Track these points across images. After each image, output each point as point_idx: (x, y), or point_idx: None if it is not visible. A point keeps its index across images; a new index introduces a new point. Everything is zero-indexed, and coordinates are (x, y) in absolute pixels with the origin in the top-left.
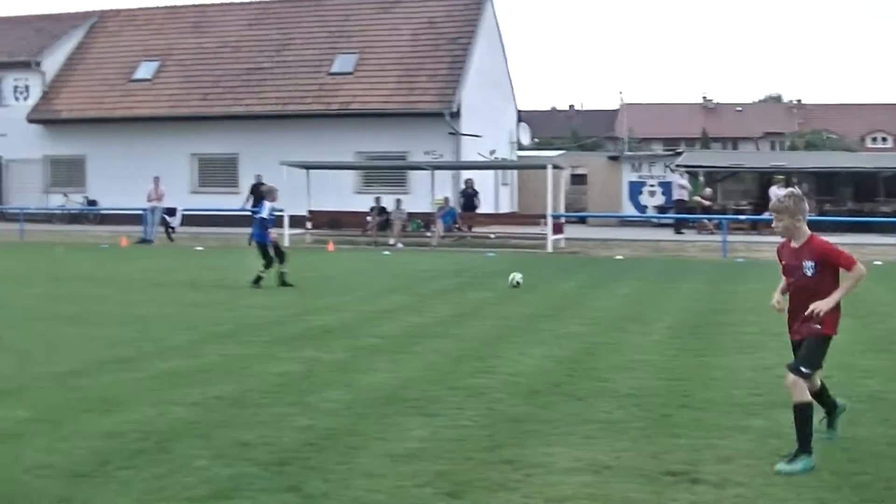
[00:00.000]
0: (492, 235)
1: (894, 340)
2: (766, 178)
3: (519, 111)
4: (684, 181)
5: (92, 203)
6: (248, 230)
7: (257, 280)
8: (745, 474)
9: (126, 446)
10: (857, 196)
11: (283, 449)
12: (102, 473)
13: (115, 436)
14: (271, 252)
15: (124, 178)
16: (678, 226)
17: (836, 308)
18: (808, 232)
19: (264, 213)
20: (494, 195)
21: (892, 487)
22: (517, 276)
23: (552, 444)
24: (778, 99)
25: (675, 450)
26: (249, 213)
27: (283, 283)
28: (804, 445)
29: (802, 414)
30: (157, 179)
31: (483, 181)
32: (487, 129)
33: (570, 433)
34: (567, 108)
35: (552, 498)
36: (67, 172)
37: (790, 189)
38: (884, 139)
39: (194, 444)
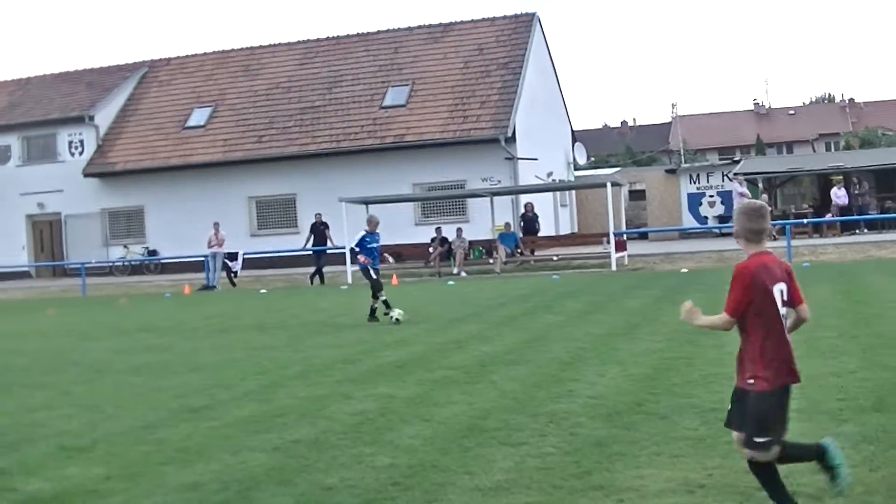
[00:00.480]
0: (555, 258)
1: None
2: (824, 180)
3: (573, 131)
4: (744, 188)
5: (152, 253)
6: (311, 269)
7: (373, 312)
8: None
9: (207, 498)
10: None
11: (367, 490)
12: None
13: (195, 488)
14: (373, 276)
15: (183, 225)
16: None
17: (762, 355)
18: (749, 252)
19: (353, 243)
20: (554, 217)
21: None
22: (395, 314)
23: (641, 466)
24: (830, 99)
25: None
26: (310, 252)
27: (372, 316)
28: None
29: (762, 475)
30: (216, 225)
31: (542, 204)
32: (543, 151)
33: (658, 453)
34: (619, 125)
35: None
36: (126, 224)
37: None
38: None
39: (276, 492)
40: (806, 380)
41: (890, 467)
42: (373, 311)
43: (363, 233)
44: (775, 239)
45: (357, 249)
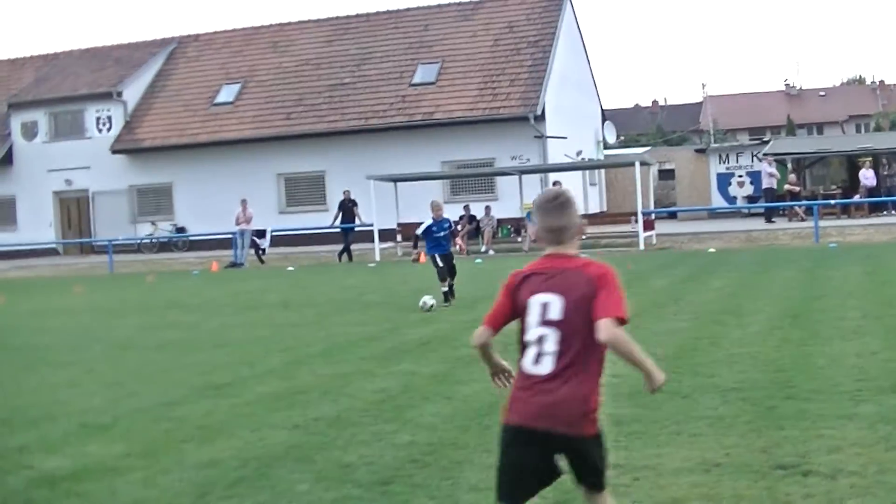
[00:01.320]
0: (582, 236)
1: None
2: (853, 161)
3: (603, 110)
4: (773, 169)
5: (180, 230)
6: (339, 247)
7: (445, 297)
8: (857, 463)
9: (226, 475)
10: None
11: (385, 467)
12: None
13: (214, 465)
14: (440, 263)
15: (212, 202)
16: (769, 214)
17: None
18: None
19: (419, 230)
20: (583, 195)
21: None
22: (427, 300)
23: (660, 445)
24: (861, 81)
25: (784, 443)
26: (339, 230)
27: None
28: None
29: None
30: (244, 202)
31: (571, 183)
32: (573, 129)
33: (677, 432)
34: (650, 104)
35: (662, 500)
36: (154, 201)
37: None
38: None
39: (295, 469)
40: (828, 361)
41: None
42: (445, 294)
43: (430, 221)
44: (803, 220)
45: (420, 237)
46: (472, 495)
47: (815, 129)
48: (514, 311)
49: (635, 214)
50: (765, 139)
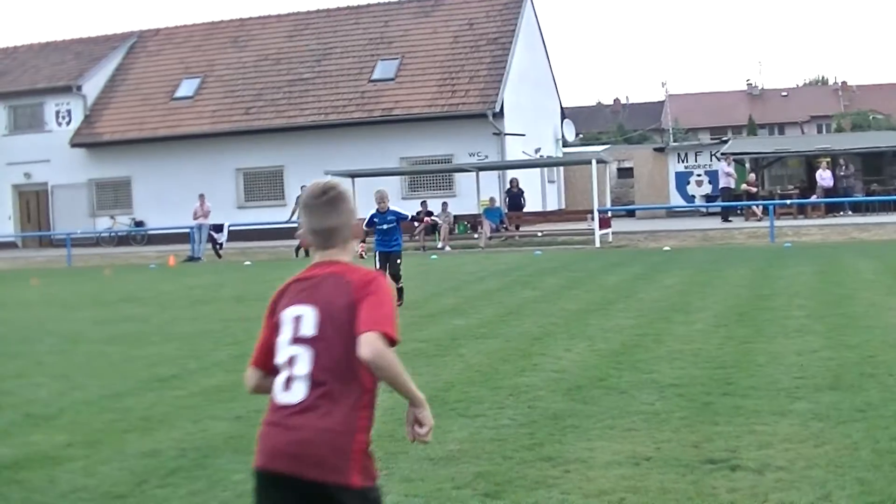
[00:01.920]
0: (539, 234)
1: None
2: (811, 162)
3: (563, 108)
4: (730, 169)
5: (139, 224)
6: (296, 242)
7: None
8: (786, 458)
9: (164, 465)
10: None
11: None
12: (139, 493)
13: (154, 455)
14: (376, 264)
15: (170, 197)
16: (725, 214)
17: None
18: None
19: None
20: (541, 193)
21: None
22: None
23: (593, 439)
24: (823, 82)
25: (716, 438)
26: (296, 225)
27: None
28: None
29: None
30: (202, 196)
31: (529, 180)
32: (531, 127)
33: (611, 427)
34: (612, 103)
35: (590, 493)
36: (113, 195)
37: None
38: None
39: (232, 459)
40: (768, 359)
41: (835, 443)
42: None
43: (372, 212)
44: (759, 219)
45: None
46: (404, 485)
47: (776, 129)
48: (276, 331)
49: (592, 212)
50: (724, 139)
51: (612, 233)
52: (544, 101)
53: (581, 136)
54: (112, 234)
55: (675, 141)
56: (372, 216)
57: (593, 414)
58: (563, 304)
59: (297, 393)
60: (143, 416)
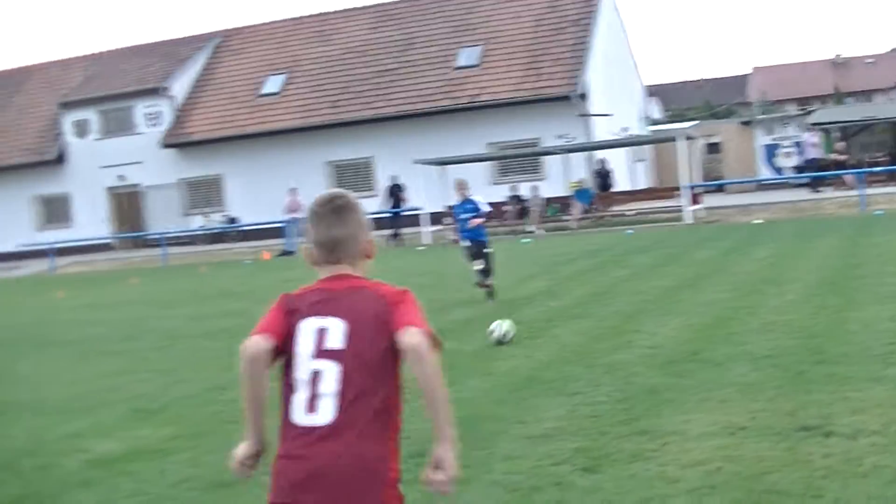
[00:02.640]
0: (629, 213)
1: None
2: None
3: (647, 86)
4: (816, 139)
5: (232, 221)
6: (389, 231)
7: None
8: (879, 423)
9: (270, 452)
10: None
11: (422, 440)
12: (246, 481)
13: None
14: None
15: (262, 192)
16: (814, 184)
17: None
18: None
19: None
20: (630, 173)
21: None
22: (502, 328)
23: (688, 412)
24: None
25: (810, 406)
26: (391, 214)
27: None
28: None
29: None
30: (293, 190)
31: (617, 160)
32: (616, 107)
33: (706, 399)
34: (697, 79)
35: (687, 463)
36: (205, 193)
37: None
38: None
39: None
40: (861, 327)
41: None
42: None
43: (455, 201)
44: (851, 188)
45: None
46: (505, 463)
47: (863, 97)
48: (288, 332)
49: (681, 189)
50: (810, 109)
51: (703, 208)
52: (628, 81)
53: (667, 113)
54: (206, 231)
55: (761, 114)
56: (454, 206)
57: (688, 387)
58: (655, 281)
59: (326, 413)
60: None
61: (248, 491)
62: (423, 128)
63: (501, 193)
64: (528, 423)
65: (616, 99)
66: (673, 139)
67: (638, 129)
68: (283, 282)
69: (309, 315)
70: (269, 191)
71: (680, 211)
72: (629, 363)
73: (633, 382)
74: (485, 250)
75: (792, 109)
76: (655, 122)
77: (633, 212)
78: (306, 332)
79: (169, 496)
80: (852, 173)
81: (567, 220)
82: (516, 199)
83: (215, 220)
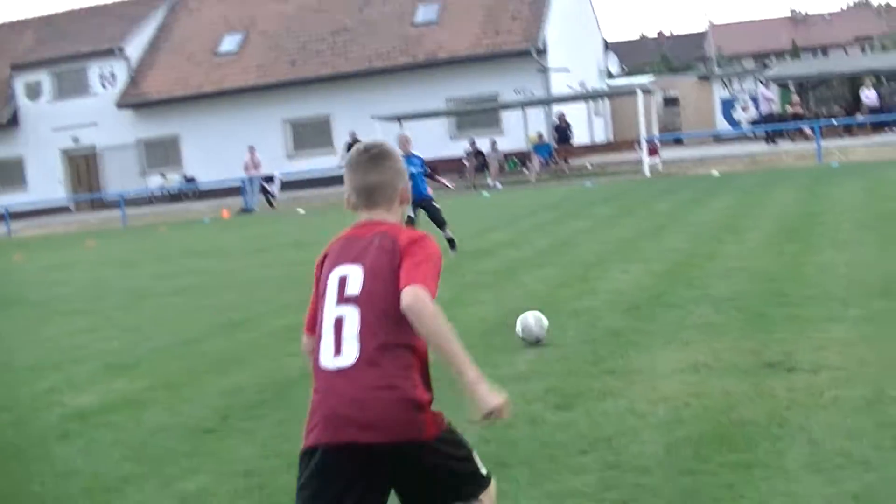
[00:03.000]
0: (588, 166)
1: None
2: (856, 83)
3: (606, 41)
4: (770, 93)
5: (190, 180)
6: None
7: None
8: (840, 359)
9: (246, 400)
10: None
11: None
12: (225, 427)
13: (235, 392)
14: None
15: (220, 151)
16: (771, 137)
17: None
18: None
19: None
20: (589, 126)
21: None
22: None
23: (653, 352)
24: (867, 3)
25: (772, 344)
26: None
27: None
28: None
29: None
30: (252, 149)
31: (576, 114)
32: (575, 62)
33: (670, 340)
34: (656, 35)
35: (655, 399)
36: (163, 153)
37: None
38: None
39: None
40: (819, 270)
41: (887, 343)
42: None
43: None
44: (807, 139)
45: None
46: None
47: (819, 53)
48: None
49: (639, 142)
50: (767, 63)
51: (661, 161)
52: (587, 36)
53: (626, 68)
54: (164, 191)
55: (718, 68)
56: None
57: (652, 330)
58: (616, 231)
59: (350, 355)
60: (218, 359)
61: (228, 436)
62: (382, 84)
63: (460, 148)
64: (500, 367)
65: (575, 54)
66: (631, 93)
67: (596, 83)
68: (245, 239)
69: (336, 264)
70: (227, 150)
71: (638, 164)
72: (594, 308)
73: (599, 326)
74: (433, 204)
75: (749, 64)
76: (613, 77)
77: (592, 165)
78: (332, 281)
79: (149, 444)
80: (809, 125)
81: (526, 174)
82: (475, 153)
83: (173, 180)
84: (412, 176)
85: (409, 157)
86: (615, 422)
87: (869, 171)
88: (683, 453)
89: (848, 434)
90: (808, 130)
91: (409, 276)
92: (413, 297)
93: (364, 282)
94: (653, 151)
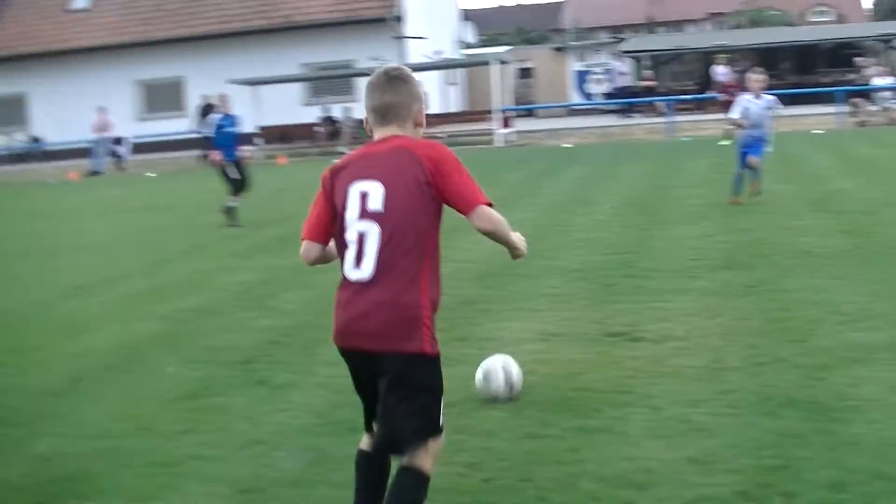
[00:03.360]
0: (441, 135)
1: (831, 202)
2: (709, 59)
3: (463, 10)
4: (624, 67)
5: (36, 141)
6: (199, 152)
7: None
8: (683, 330)
9: (97, 363)
10: (798, 69)
11: (248, 349)
12: (76, 390)
13: (85, 355)
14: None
15: (68, 111)
16: (625, 111)
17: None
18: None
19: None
20: (442, 95)
21: (813, 330)
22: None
23: (503, 320)
24: None
25: (618, 314)
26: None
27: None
28: None
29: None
30: (102, 110)
31: (430, 83)
32: (431, 30)
33: (519, 309)
34: (513, 5)
35: None
36: (7, 112)
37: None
38: (822, 12)
39: (163, 354)
40: (667, 244)
41: (728, 315)
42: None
43: (218, 116)
44: (660, 114)
45: (213, 137)
46: (329, 368)
47: (674, 28)
48: (336, 211)
49: (493, 112)
50: (622, 37)
51: (514, 132)
52: (443, 5)
53: (481, 37)
54: (9, 151)
55: (574, 40)
56: (219, 120)
57: (502, 298)
58: None
59: (367, 268)
60: (69, 323)
61: (77, 399)
62: (237, 47)
63: (314, 114)
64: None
65: (431, 22)
66: (486, 63)
67: (452, 52)
68: (94, 201)
69: (354, 179)
70: (75, 110)
71: (491, 134)
72: (445, 276)
73: (450, 294)
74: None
75: (605, 37)
76: (469, 46)
77: (445, 134)
78: (353, 196)
79: None
80: (661, 100)
81: None
82: (329, 120)
83: (18, 140)
84: (231, 135)
85: (230, 116)
86: (464, 388)
87: (718, 147)
88: (529, 418)
89: (689, 401)
90: (659, 105)
91: (463, 198)
92: (489, 222)
93: (385, 199)
94: (506, 122)
